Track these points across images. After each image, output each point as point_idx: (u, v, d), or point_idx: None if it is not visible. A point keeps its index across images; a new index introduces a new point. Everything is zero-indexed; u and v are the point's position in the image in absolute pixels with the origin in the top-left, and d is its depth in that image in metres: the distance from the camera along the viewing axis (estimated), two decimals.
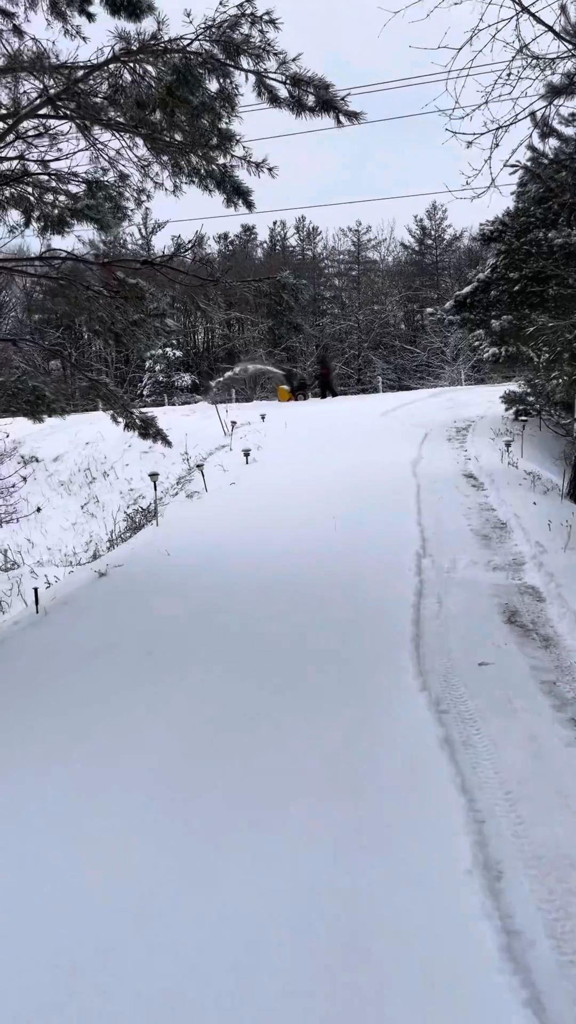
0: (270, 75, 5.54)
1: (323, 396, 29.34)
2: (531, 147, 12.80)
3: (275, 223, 56.65)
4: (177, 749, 4.23)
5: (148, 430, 8.58)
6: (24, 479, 21.22)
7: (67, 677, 5.66)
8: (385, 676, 5.07)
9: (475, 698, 4.78)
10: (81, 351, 52.09)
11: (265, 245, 57.06)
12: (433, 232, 53.37)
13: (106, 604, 7.35)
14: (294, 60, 5.43)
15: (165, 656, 5.79)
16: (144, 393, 42.75)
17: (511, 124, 6.42)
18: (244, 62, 5.47)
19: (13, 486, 19.04)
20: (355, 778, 3.75)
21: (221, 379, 32.42)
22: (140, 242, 47.38)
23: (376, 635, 5.89)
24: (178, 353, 42.47)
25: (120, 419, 8.58)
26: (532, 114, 10.56)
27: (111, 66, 5.59)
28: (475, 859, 3.07)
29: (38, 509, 19.12)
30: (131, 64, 5.52)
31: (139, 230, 43.29)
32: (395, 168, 74.63)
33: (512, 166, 14.00)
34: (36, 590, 7.78)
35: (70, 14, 6.82)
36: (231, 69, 5.46)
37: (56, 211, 8.24)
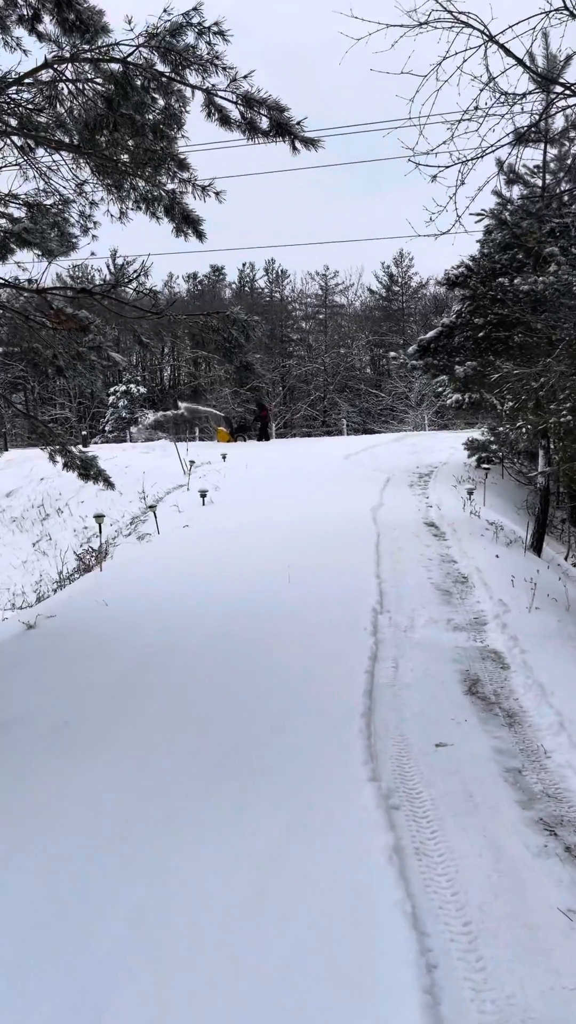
0: (219, 92, 5.09)
1: (260, 438, 29.99)
2: (497, 193, 12.67)
3: (244, 264, 56.97)
4: (71, 864, 3.53)
5: (88, 471, 7.96)
6: None
7: None
8: (331, 761, 4.45)
9: (431, 789, 4.19)
10: (44, 385, 51.39)
11: (234, 286, 57.22)
12: (400, 279, 53.97)
13: (29, 662, 6.64)
14: (246, 77, 4.99)
15: (83, 729, 5.10)
16: (106, 428, 42.11)
17: (478, 159, 6.04)
18: (191, 76, 5.02)
19: None
20: (282, 906, 3.11)
21: (152, 419, 32.39)
22: (108, 278, 47.03)
23: (325, 707, 5.28)
24: (142, 389, 41.94)
25: (58, 458, 7.96)
26: (498, 161, 10.30)
27: (45, 76, 5.09)
28: None
29: None
30: (67, 75, 5.03)
31: (107, 267, 42.90)
32: (363, 214, 75.83)
33: (477, 215, 13.91)
34: None
35: (12, 29, 6.37)
36: (176, 83, 5.00)
37: None
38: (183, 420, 34.57)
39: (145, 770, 4.42)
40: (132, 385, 40.83)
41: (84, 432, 38.22)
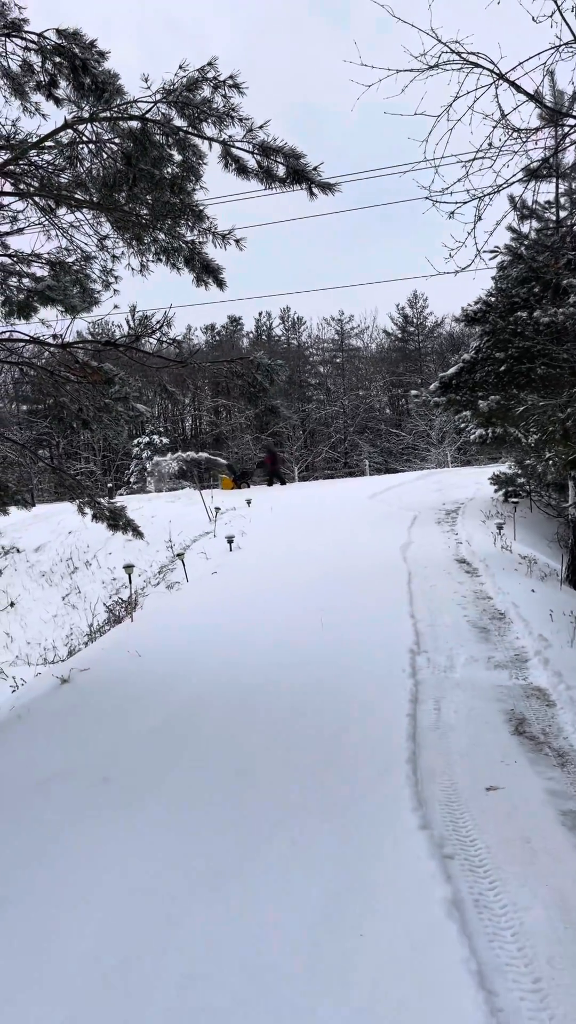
0: (236, 143, 5.17)
1: (270, 484, 30.00)
2: (511, 228, 12.75)
3: (260, 313, 57.82)
4: (120, 927, 3.40)
5: (117, 521, 7.96)
6: (0, 572, 20.48)
7: (8, 814, 4.84)
8: (378, 809, 4.30)
9: (484, 836, 4.01)
10: (69, 440, 52.12)
11: (251, 335, 58.02)
12: (415, 320, 54.45)
13: (65, 718, 6.55)
14: (261, 127, 5.07)
15: (121, 785, 4.98)
16: (131, 480, 42.50)
17: (494, 194, 6.06)
18: (207, 129, 5.11)
19: None
20: (340, 967, 2.96)
21: (154, 467, 32.74)
22: (127, 332, 47.88)
23: (367, 754, 5.13)
24: (165, 440, 42.37)
25: (87, 510, 7.97)
26: (510, 197, 10.33)
27: (64, 137, 5.21)
28: None
29: (11, 604, 18.35)
30: (86, 135, 5.14)
31: (127, 322, 43.69)
32: (377, 257, 76.97)
33: (491, 251, 13.99)
34: None
35: (31, 94, 6.56)
36: (193, 137, 5.09)
37: (21, 295, 7.84)
38: (193, 465, 34.89)
39: (188, 827, 4.29)
40: (155, 436, 41.30)
41: (110, 484, 38.55)
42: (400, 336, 55.27)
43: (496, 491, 17.66)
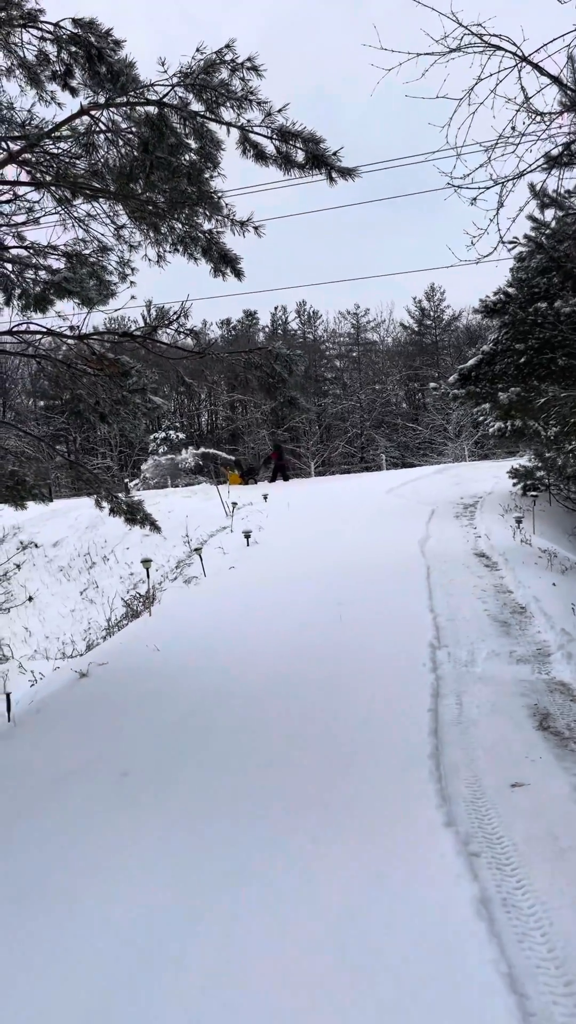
0: (255, 128, 5.08)
1: (273, 480, 29.99)
2: (532, 218, 12.56)
3: (276, 308, 57.71)
4: (142, 923, 3.35)
5: (135, 515, 7.91)
6: (18, 567, 20.54)
7: (31, 808, 4.81)
8: (402, 806, 4.22)
9: (512, 833, 3.92)
10: (86, 435, 52.30)
11: (267, 329, 57.92)
12: (432, 312, 54.12)
13: (83, 712, 6.51)
14: (280, 111, 4.98)
15: (141, 779, 4.93)
16: (148, 476, 42.52)
17: (517, 179, 5.94)
18: (225, 114, 5.03)
19: (4, 574, 18.33)
20: (366, 966, 2.88)
21: (154, 464, 32.69)
22: (144, 324, 47.92)
23: (389, 750, 5.05)
24: (181, 435, 42.38)
25: (104, 504, 7.92)
26: (531, 185, 10.19)
27: (80, 126, 5.14)
28: None
29: (30, 598, 18.39)
30: (102, 123, 5.06)
31: (143, 317, 43.73)
32: (392, 250, 76.59)
33: (511, 242, 13.81)
34: (8, 696, 6.97)
35: (46, 84, 6.49)
36: (210, 123, 5.01)
37: (38, 288, 7.80)
38: (209, 460, 34.89)
39: (208, 822, 4.23)
40: (171, 431, 41.31)
41: (127, 480, 38.59)
42: (417, 330, 54.98)
43: (515, 485, 17.49)
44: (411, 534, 13.90)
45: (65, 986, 3.03)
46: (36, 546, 24.60)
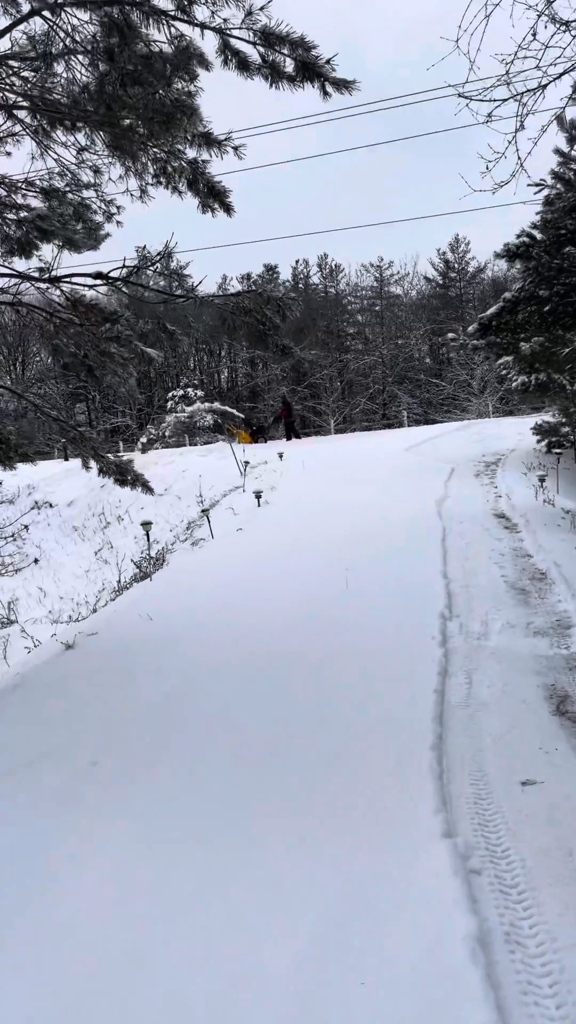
0: (234, 32, 4.39)
1: (288, 438, 29.33)
2: (559, 152, 11.64)
3: (297, 261, 56.29)
4: (88, 949, 2.88)
5: (125, 475, 7.39)
6: (26, 527, 20.19)
7: None
8: (394, 808, 3.70)
9: (520, 845, 3.40)
10: (105, 394, 51.76)
11: (287, 284, 56.56)
12: (456, 265, 52.48)
13: (62, 689, 6.07)
14: (262, 9, 4.28)
15: (111, 770, 4.47)
16: (167, 434, 41.98)
17: (539, 90, 5.17)
18: (198, 12, 4.34)
19: (12, 536, 17.97)
20: (335, 1019, 2.38)
21: (162, 425, 32.08)
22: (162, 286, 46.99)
23: (387, 738, 4.53)
24: (200, 392, 41.66)
25: (92, 464, 7.40)
26: (559, 117, 9.29)
27: (31, 24, 4.49)
28: None
29: (35, 561, 18.06)
30: (59, 21, 4.41)
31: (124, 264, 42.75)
32: (413, 193, 74.37)
33: (537, 184, 12.88)
34: None
35: None
36: (180, 23, 4.33)
37: (22, 230, 7.18)
38: (222, 417, 34.23)
39: (165, 836, 3.73)
40: (190, 389, 40.59)
41: (143, 439, 38.01)
42: (441, 283, 53.39)
43: (539, 442, 16.72)
44: (429, 494, 13.28)
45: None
46: (51, 506, 24.32)
